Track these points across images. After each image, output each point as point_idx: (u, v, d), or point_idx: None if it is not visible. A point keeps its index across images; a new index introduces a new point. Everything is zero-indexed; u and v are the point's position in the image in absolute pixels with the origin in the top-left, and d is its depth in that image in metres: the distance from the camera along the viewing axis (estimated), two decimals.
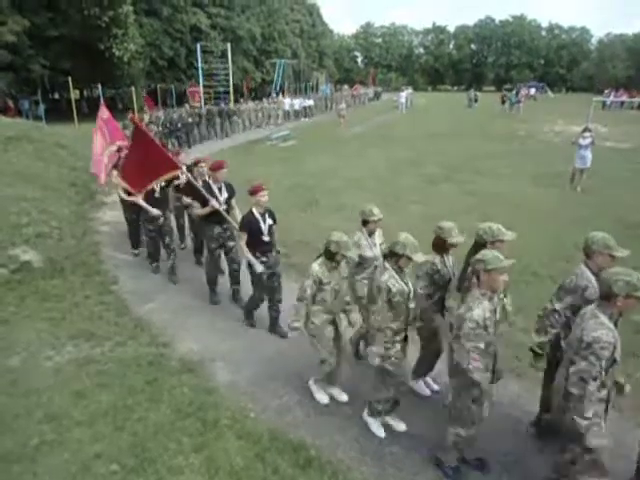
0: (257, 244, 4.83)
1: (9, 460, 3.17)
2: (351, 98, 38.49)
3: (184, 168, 5.67)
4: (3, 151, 10.63)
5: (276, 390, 4.23)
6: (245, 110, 24.50)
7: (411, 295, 3.37)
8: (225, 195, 5.61)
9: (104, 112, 8.48)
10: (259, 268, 4.80)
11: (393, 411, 3.73)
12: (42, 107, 23.78)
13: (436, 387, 4.21)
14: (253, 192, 4.76)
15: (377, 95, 50.04)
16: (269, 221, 4.88)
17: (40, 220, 7.52)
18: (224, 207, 5.53)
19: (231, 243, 5.71)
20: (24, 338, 4.72)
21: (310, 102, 31.25)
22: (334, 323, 3.94)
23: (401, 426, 3.75)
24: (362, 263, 4.25)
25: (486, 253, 2.91)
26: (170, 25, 33.14)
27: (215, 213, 5.45)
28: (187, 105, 21.65)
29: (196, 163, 6.36)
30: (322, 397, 4.09)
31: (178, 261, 6.67)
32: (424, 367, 4.14)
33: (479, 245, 3.33)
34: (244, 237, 4.82)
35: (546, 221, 8.37)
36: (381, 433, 3.69)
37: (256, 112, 25.43)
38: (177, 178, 5.87)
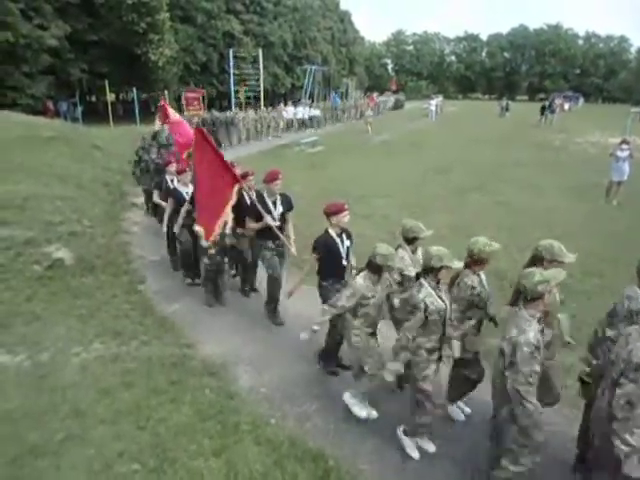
0: (334, 269, 4.35)
1: (34, 454, 3.22)
2: (367, 107, 33.24)
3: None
4: (42, 152, 11.01)
5: (297, 397, 4.20)
6: (243, 119, 21.85)
7: (447, 312, 3.25)
8: (280, 209, 5.17)
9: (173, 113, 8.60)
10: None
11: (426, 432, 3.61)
12: (80, 109, 24.57)
13: (468, 410, 4.00)
14: (334, 212, 4.23)
15: (399, 104, 46.03)
16: (347, 242, 4.38)
17: (73, 219, 7.74)
18: (277, 223, 5.11)
19: (283, 260, 5.42)
20: (54, 334, 4.83)
21: (316, 112, 28.25)
22: (375, 335, 3.81)
23: (431, 447, 3.61)
24: (403, 282, 4.02)
25: (542, 272, 2.76)
26: (204, 31, 33.89)
27: (269, 228, 5.03)
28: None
29: (244, 176, 5.69)
30: (361, 411, 3.83)
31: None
32: (460, 391, 3.91)
33: (537, 260, 3.21)
34: (312, 261, 4.34)
35: (579, 235, 8.11)
36: (416, 455, 3.53)
37: (255, 122, 22.71)
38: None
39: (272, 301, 5.47)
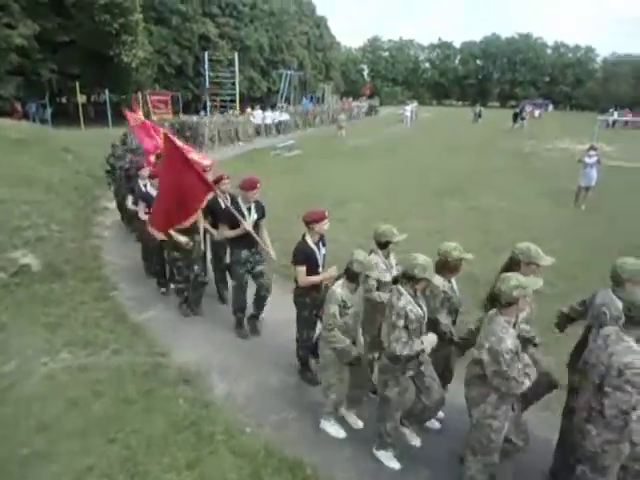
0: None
1: None
2: (340, 112, 33.41)
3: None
4: (10, 154, 10.64)
5: (273, 404, 4.13)
6: (209, 124, 20.66)
7: (425, 319, 3.21)
8: (255, 216, 5.02)
9: (135, 119, 8.47)
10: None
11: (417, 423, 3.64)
12: (49, 111, 23.92)
13: (441, 414, 3.96)
14: (315, 220, 4.10)
15: (373, 109, 45.83)
16: (323, 250, 4.28)
17: (41, 223, 7.49)
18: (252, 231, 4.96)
19: (260, 267, 5.18)
20: (20, 343, 4.65)
21: (285, 116, 27.48)
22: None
23: (417, 441, 3.63)
24: (378, 288, 3.95)
25: (518, 276, 2.75)
26: (179, 34, 33.47)
27: (244, 235, 4.87)
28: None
29: (218, 180, 5.58)
30: (338, 431, 3.80)
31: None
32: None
33: (513, 263, 3.21)
34: (302, 271, 4.13)
35: (551, 239, 8.28)
36: (395, 465, 3.49)
37: (223, 126, 21.62)
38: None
39: (236, 312, 5.36)
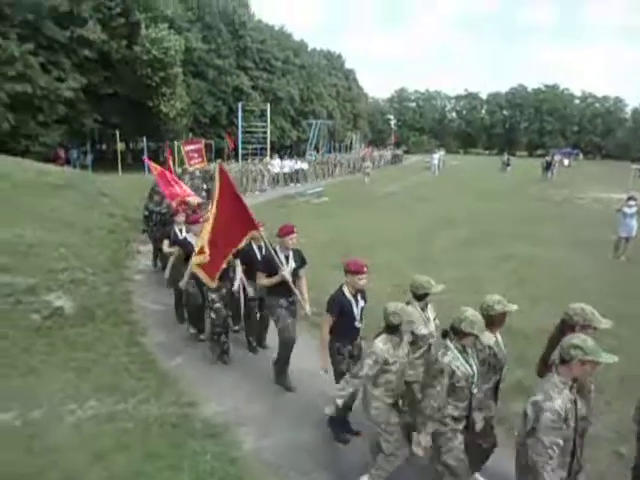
0: (347, 331, 4.06)
1: None
2: (366, 159, 31.41)
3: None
4: (51, 198, 11.08)
5: (304, 464, 3.90)
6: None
7: (475, 379, 3.02)
8: (292, 265, 4.88)
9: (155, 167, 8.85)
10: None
11: None
12: (90, 157, 25.15)
13: None
14: (351, 272, 3.97)
15: (397, 158, 44.95)
16: (361, 303, 4.12)
17: (76, 266, 7.64)
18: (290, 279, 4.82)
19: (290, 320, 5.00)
20: (49, 389, 4.59)
21: (304, 165, 26.94)
22: (397, 406, 3.48)
23: None
24: (415, 342, 3.78)
25: (586, 340, 2.53)
26: (214, 86, 35.25)
27: (281, 284, 4.74)
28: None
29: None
30: None
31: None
32: (475, 461, 3.51)
33: (567, 326, 3.02)
34: (328, 321, 4.01)
35: (589, 291, 7.92)
36: None
37: (241, 175, 21.27)
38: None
39: (282, 362, 5.11)
